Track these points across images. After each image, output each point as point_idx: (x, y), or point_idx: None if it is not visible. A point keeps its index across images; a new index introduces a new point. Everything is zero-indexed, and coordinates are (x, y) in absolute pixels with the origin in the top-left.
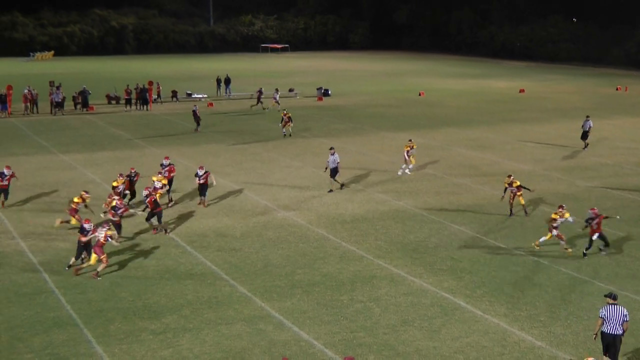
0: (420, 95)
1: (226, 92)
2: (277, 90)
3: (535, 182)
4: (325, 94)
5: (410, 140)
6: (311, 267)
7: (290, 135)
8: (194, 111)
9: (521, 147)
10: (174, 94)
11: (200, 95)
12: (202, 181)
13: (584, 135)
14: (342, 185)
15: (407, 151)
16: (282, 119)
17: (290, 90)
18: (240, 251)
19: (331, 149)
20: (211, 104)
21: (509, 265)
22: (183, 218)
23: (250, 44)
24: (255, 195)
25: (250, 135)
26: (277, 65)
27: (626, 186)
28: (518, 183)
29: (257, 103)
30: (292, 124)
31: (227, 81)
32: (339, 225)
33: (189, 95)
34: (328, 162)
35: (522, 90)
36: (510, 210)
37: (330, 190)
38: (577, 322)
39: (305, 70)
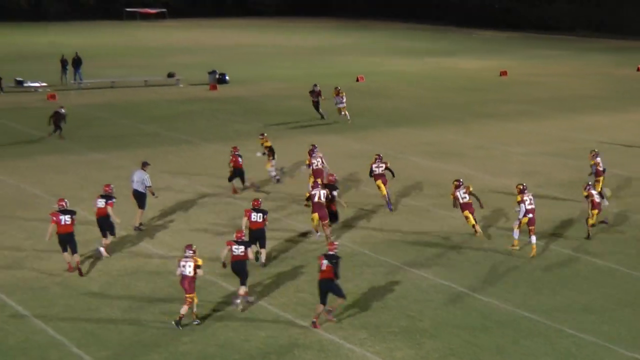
0: (357, 80)
1: (75, 79)
2: (338, 90)
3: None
4: (221, 80)
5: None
6: (203, 333)
7: (278, 181)
8: (57, 112)
9: (503, 153)
10: None
11: (37, 84)
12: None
13: None
14: (140, 225)
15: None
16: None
17: (170, 75)
18: (97, 311)
19: (145, 164)
20: (53, 96)
21: (494, 327)
22: (13, 260)
23: (110, 7)
24: (116, 228)
25: (113, 142)
26: (149, 38)
27: None
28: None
29: (318, 109)
30: (273, 161)
31: (77, 63)
32: None
33: (20, 83)
34: (132, 180)
35: (503, 73)
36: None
37: (139, 227)
38: None
39: (191, 47)
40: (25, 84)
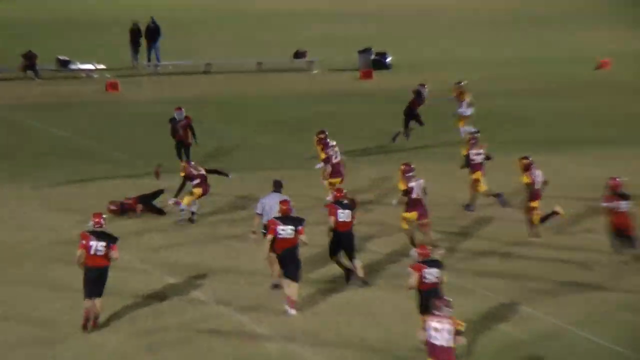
0: (599, 67)
1: (149, 59)
2: (461, 90)
3: None
4: (379, 63)
5: None
6: None
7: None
8: (173, 120)
9: None
10: (29, 60)
11: (89, 66)
12: None
13: None
14: None
15: None
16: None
17: (298, 55)
18: None
19: (279, 185)
20: (114, 86)
21: None
22: None
23: None
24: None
25: (211, 158)
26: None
27: None
28: None
29: (406, 128)
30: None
31: (152, 33)
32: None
33: (65, 64)
34: (262, 206)
35: None
36: None
37: (276, 286)
38: None
39: (330, 11)
40: (72, 66)
